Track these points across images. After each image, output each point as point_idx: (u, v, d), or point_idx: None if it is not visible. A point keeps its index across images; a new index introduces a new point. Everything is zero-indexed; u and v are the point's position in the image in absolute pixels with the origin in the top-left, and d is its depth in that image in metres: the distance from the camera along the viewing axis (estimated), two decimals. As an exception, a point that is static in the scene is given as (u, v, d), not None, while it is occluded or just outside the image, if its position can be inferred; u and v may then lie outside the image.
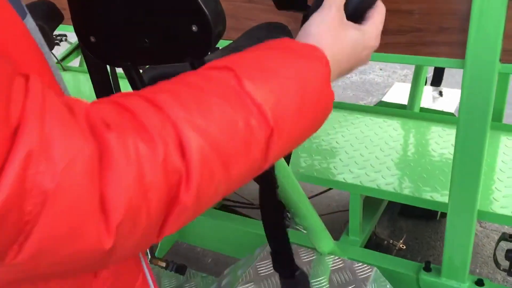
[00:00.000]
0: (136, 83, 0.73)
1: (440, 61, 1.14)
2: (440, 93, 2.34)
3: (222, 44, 1.25)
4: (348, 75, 4.39)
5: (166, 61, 0.69)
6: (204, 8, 0.59)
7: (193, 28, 0.61)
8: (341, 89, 4.14)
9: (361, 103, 3.86)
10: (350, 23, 0.62)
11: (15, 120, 0.35)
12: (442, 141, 1.72)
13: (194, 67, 0.68)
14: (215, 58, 0.74)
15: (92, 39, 0.69)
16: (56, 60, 2.36)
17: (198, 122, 0.45)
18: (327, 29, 0.60)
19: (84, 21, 0.69)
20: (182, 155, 0.43)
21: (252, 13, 1.26)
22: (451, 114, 2.11)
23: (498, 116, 1.80)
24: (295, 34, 0.63)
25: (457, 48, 1.08)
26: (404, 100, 2.21)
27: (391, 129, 1.83)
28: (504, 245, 1.41)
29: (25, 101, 0.36)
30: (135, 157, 0.40)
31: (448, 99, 2.30)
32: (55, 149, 0.36)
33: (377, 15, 0.65)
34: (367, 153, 1.69)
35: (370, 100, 3.86)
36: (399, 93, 2.43)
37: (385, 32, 1.14)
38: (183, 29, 0.62)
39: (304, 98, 0.54)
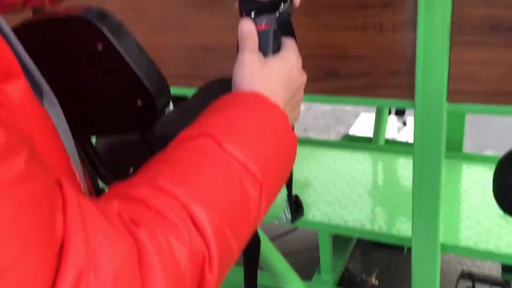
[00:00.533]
0: (89, 152, 0.74)
1: (392, 103, 1.19)
2: (404, 123, 2.40)
3: (185, 91, 1.28)
4: (319, 104, 4.46)
5: (115, 133, 0.71)
6: (147, 84, 0.62)
7: (138, 102, 0.64)
8: (312, 119, 4.20)
9: (332, 132, 3.92)
10: (269, 58, 0.64)
11: (59, 235, 0.34)
12: (406, 173, 1.76)
13: (143, 136, 0.70)
14: (169, 116, 0.76)
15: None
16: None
17: (201, 196, 0.45)
18: (249, 73, 0.61)
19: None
20: (199, 233, 0.43)
21: (208, 61, 1.29)
22: (416, 143, 2.15)
23: (458, 145, 1.85)
24: None
25: (407, 90, 1.13)
26: (371, 131, 2.26)
27: (357, 163, 1.86)
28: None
29: (65, 214, 0.35)
30: (168, 251, 0.40)
31: (412, 129, 2.36)
32: (102, 259, 0.35)
33: (287, 41, 0.67)
34: (334, 189, 1.71)
35: (341, 129, 3.93)
36: (365, 124, 2.48)
37: (337, 77, 1.19)
38: (129, 104, 0.64)
39: (278, 145, 0.56)
